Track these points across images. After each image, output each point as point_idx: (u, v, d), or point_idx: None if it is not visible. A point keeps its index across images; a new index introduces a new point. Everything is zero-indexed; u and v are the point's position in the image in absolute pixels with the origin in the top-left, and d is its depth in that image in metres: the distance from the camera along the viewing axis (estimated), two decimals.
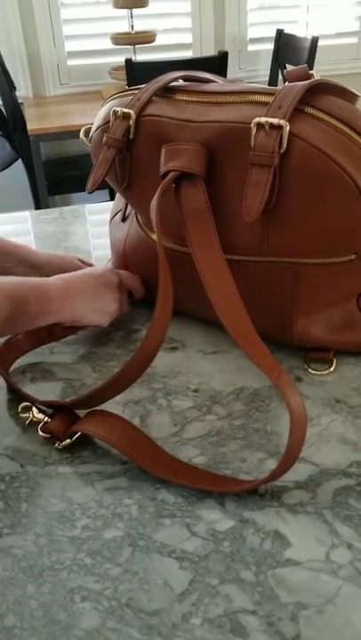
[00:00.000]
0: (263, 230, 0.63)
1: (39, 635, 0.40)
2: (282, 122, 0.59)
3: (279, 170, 0.59)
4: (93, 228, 1.05)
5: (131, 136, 0.69)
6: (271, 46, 2.90)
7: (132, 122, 0.68)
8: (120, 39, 2.57)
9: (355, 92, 0.63)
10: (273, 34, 2.88)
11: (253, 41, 3.04)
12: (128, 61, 2.19)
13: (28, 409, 0.59)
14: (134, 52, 2.65)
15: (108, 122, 0.71)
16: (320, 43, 2.60)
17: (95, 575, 0.44)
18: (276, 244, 0.63)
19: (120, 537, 0.47)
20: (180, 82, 0.71)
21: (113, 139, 0.69)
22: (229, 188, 0.63)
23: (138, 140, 0.69)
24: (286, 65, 2.80)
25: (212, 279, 0.61)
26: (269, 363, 0.54)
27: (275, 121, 0.59)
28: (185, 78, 0.71)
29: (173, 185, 0.64)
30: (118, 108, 0.69)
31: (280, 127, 0.59)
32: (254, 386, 0.64)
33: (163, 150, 0.65)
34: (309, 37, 2.58)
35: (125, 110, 0.69)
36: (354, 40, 3.17)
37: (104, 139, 0.70)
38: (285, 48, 2.79)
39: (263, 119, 0.59)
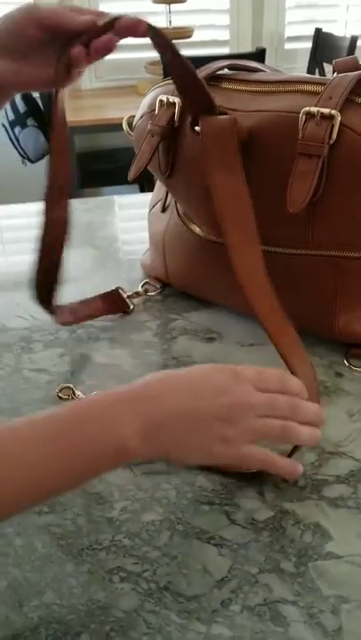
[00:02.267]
0: (308, 222, 0.62)
1: (78, 613, 0.40)
2: (333, 112, 0.58)
3: (327, 160, 0.59)
4: (128, 212, 1.05)
5: (175, 124, 0.68)
6: (308, 45, 2.87)
7: (177, 109, 0.68)
8: None
9: None
10: (311, 32, 2.85)
11: (291, 39, 3.02)
12: None
13: (67, 390, 0.59)
14: None
15: (153, 110, 0.70)
16: (359, 42, 2.57)
17: (134, 557, 0.44)
18: (320, 237, 0.62)
19: (159, 521, 0.47)
20: (226, 71, 0.71)
21: (158, 126, 0.69)
22: (274, 179, 0.62)
23: (182, 129, 0.68)
24: (324, 64, 2.77)
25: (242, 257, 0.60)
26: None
27: (326, 111, 0.58)
28: (231, 67, 0.71)
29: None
30: (164, 96, 0.69)
31: (331, 117, 0.58)
32: None
33: None
34: (348, 36, 2.56)
35: (171, 98, 0.68)
36: None
37: (148, 126, 0.70)
38: (323, 47, 2.76)
39: (314, 108, 0.58)
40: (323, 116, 0.58)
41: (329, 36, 2.74)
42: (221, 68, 0.69)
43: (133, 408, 0.40)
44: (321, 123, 0.58)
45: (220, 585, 0.42)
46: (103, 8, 2.76)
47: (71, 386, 0.60)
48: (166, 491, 0.49)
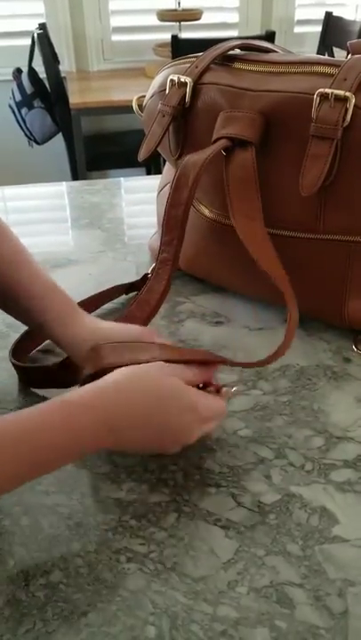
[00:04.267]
0: (320, 206, 0.62)
1: (84, 592, 0.40)
2: (348, 94, 0.57)
3: (341, 143, 0.58)
4: (137, 196, 1.05)
5: (187, 104, 0.67)
6: (318, 28, 2.84)
7: (188, 89, 0.67)
8: (166, 15, 2.54)
9: None
10: (320, 16, 2.81)
11: (301, 22, 2.98)
12: (174, 38, 2.16)
13: None
14: (179, 30, 2.62)
15: (164, 89, 0.69)
16: None
17: (140, 538, 0.44)
18: (332, 222, 0.62)
19: (165, 502, 0.47)
20: (238, 51, 0.70)
21: (169, 106, 0.68)
22: (285, 161, 0.62)
23: (194, 108, 0.67)
24: (334, 48, 2.74)
25: (256, 250, 0.59)
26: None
27: (340, 93, 0.57)
28: (243, 47, 0.70)
29: (224, 153, 0.63)
30: (175, 76, 0.68)
31: (345, 99, 0.57)
32: (301, 364, 0.63)
33: (220, 116, 0.64)
34: (359, 21, 2.53)
35: (183, 78, 0.68)
36: None
37: (159, 106, 0.69)
38: (333, 31, 2.73)
39: (328, 90, 0.58)
40: (337, 98, 0.57)
41: (339, 20, 2.70)
42: (233, 48, 0.68)
43: (98, 419, 0.42)
44: (335, 105, 0.57)
45: (227, 567, 0.42)
46: None
47: None
48: (173, 472, 0.49)
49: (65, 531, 0.44)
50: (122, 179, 1.14)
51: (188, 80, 0.66)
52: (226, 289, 0.75)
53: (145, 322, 0.61)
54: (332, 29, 2.75)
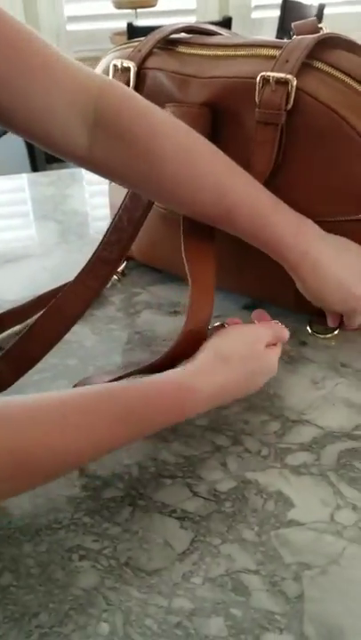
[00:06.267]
0: (272, 192, 0.61)
1: (36, 593, 0.40)
2: (288, 76, 0.56)
3: (286, 127, 0.57)
4: (92, 188, 1.03)
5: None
6: (276, 13, 2.83)
7: (132, 74, 0.66)
8: (122, 3, 2.51)
9: None
10: (278, 1, 2.81)
11: (258, 8, 2.97)
12: (130, 26, 2.14)
13: None
14: (135, 17, 2.59)
15: (107, 75, 0.68)
16: (327, 10, 2.54)
17: (94, 534, 0.43)
18: None
19: (120, 497, 0.46)
20: (183, 34, 0.69)
21: None
22: (236, 149, 0.60)
23: (140, 94, 0.66)
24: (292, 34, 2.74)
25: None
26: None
27: (281, 76, 0.56)
28: (188, 30, 0.69)
29: None
30: (118, 61, 0.67)
31: (287, 82, 0.56)
32: None
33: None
34: (316, 4, 2.53)
35: (125, 63, 0.66)
36: None
37: None
38: (291, 15, 2.72)
39: (269, 74, 0.57)
40: (278, 82, 0.56)
41: (297, 4, 2.71)
42: (176, 31, 0.67)
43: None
44: (277, 88, 0.57)
45: (182, 558, 0.42)
46: None
47: None
48: (128, 466, 0.49)
49: (15, 532, 0.43)
50: (83, 170, 1.11)
51: (132, 65, 0.65)
52: (182, 278, 0.74)
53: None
54: (290, 14, 2.74)
